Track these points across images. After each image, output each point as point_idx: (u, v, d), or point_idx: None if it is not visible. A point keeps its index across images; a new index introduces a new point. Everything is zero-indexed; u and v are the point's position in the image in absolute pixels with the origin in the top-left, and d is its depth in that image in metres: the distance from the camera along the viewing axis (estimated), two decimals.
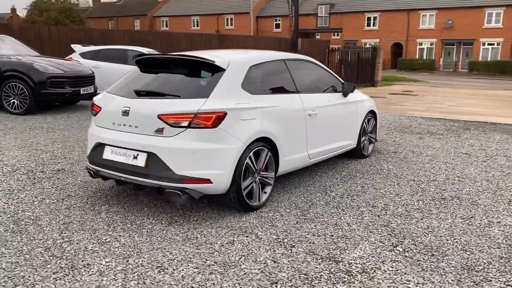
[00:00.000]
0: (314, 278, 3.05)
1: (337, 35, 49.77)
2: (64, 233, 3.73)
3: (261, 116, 4.26)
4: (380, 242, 3.66)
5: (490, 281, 3.06)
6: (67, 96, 10.23)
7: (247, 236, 3.71)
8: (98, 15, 61.71)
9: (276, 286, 2.95)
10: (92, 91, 10.85)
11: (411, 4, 41.78)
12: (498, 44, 38.32)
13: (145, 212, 4.22)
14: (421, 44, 41.88)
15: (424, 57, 41.53)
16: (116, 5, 63.97)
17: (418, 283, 3.01)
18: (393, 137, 8.20)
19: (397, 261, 3.33)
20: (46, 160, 5.98)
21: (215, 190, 3.93)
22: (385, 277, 3.09)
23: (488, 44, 38.79)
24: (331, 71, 5.89)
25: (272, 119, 4.38)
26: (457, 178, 5.54)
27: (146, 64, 4.57)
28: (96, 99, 4.46)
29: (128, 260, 3.27)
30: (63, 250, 3.42)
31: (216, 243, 3.58)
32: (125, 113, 4.05)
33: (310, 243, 3.61)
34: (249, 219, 4.09)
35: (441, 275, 3.12)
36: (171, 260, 3.28)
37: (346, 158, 6.35)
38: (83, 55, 12.98)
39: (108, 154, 4.18)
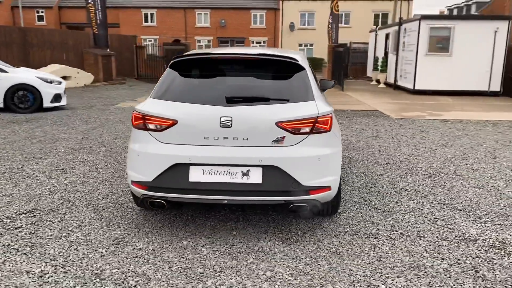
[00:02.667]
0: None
1: None
2: (201, 281, 2.94)
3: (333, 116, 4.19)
4: (479, 218, 4.13)
5: None
6: None
7: (376, 238, 3.67)
8: None
9: (493, 272, 3.11)
10: None
11: (186, 3, 43.38)
12: (264, 42, 43.63)
13: (239, 235, 3.64)
14: (199, 41, 44.03)
15: None
16: None
17: None
18: None
19: None
20: None
21: (329, 197, 3.71)
22: None
23: (256, 42, 43.75)
24: None
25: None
26: (412, 158, 6.50)
27: (195, 65, 3.85)
28: (158, 111, 3.52)
29: None
30: None
31: (366, 251, 3.44)
32: (225, 124, 3.39)
33: (433, 232, 3.81)
34: (345, 221, 4.02)
35: None
36: (369, 276, 3.03)
37: None
38: None
39: (198, 175, 3.42)
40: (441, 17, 17.12)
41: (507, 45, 15.88)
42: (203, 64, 3.86)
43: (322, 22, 40.36)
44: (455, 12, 63.66)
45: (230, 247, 3.44)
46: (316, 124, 3.50)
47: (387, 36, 21.02)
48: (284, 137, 3.43)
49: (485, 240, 3.65)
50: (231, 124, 3.39)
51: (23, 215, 4.03)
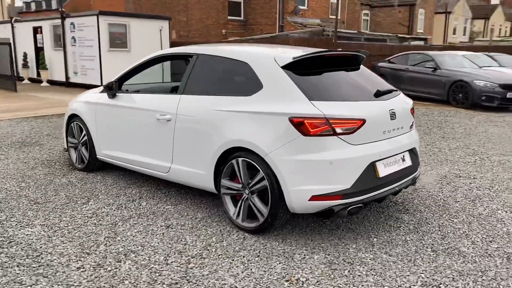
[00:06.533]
0: None
1: None
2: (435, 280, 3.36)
3: None
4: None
5: None
6: None
7: (457, 201, 4.81)
8: None
9: None
10: None
11: None
12: None
13: (362, 239, 3.94)
14: None
15: None
16: None
17: None
18: None
19: None
20: None
21: None
22: None
23: None
24: None
25: None
26: None
27: (313, 64, 3.70)
28: (344, 112, 3.29)
29: None
30: None
31: (476, 214, 4.56)
32: (392, 116, 3.65)
33: (471, 193, 5.25)
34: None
35: None
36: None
37: None
38: None
39: (382, 170, 3.55)
40: (116, 13, 17.42)
41: (170, 42, 18.27)
42: (319, 62, 3.74)
43: None
44: (33, 6, 62.24)
45: (378, 246, 3.54)
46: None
47: (36, 30, 19.27)
48: (413, 122, 4.01)
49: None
50: (395, 116, 3.67)
51: None
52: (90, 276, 2.92)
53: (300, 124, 3.26)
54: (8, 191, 4.61)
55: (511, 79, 11.42)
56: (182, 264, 3.11)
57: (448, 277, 2.95)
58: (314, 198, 3.27)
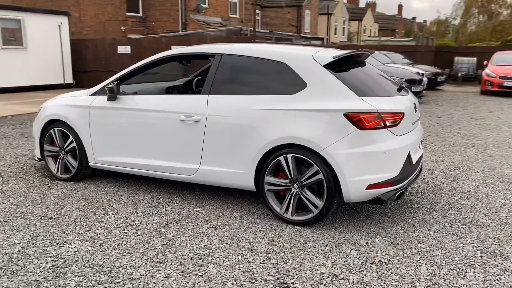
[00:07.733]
0: None
1: None
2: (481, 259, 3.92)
3: None
4: None
5: None
6: None
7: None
8: None
9: None
10: None
11: None
12: None
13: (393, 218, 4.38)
14: None
15: None
16: None
17: None
18: None
19: None
20: None
21: None
22: None
23: None
24: None
25: None
26: None
27: (345, 63, 3.97)
28: (390, 107, 3.63)
29: None
30: None
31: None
32: (415, 108, 4.08)
33: None
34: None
35: None
36: None
37: None
38: None
39: (413, 157, 3.96)
40: (8, 7, 15.43)
41: (70, 40, 17.01)
42: (346, 61, 3.99)
43: None
44: None
45: (418, 225, 4.21)
46: None
47: None
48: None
49: None
50: (416, 109, 4.12)
51: None
52: (186, 283, 2.83)
53: (356, 119, 3.50)
54: (3, 209, 4.08)
55: (413, 75, 12.98)
56: (265, 260, 3.15)
57: (494, 244, 3.45)
58: (370, 186, 3.54)
